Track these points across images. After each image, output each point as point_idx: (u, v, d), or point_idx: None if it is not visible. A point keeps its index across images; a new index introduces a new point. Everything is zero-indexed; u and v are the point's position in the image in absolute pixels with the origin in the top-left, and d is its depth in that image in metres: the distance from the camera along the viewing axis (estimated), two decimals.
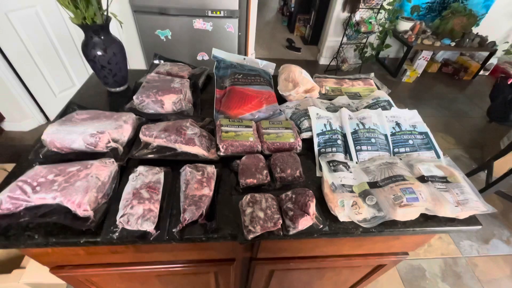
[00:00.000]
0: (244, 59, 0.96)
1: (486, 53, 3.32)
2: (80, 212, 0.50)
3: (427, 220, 0.59)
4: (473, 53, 3.53)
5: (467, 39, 3.04)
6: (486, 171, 1.90)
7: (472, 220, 0.60)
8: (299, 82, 0.83)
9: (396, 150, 0.72)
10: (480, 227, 0.60)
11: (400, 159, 0.69)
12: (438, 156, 0.70)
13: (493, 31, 3.30)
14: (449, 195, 0.58)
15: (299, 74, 0.85)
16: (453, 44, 3.08)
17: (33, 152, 0.63)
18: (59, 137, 0.61)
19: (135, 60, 2.35)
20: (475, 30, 3.23)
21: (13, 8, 1.57)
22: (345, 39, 2.99)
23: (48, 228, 0.50)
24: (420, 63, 3.31)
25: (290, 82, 0.85)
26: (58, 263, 0.64)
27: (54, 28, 1.77)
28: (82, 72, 2.13)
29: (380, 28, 3.02)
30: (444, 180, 0.62)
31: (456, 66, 3.54)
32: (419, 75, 3.39)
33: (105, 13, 0.74)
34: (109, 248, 0.58)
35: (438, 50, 3.42)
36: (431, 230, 0.59)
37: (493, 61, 3.49)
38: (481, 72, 3.53)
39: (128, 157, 0.63)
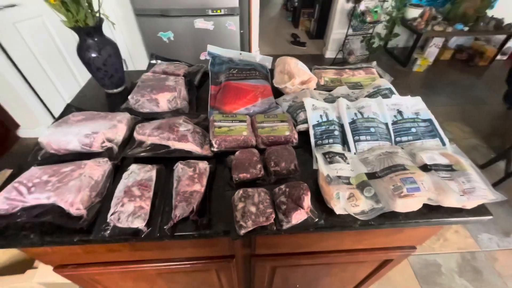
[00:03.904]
0: (240, 54, 0.94)
1: (503, 37, 3.15)
2: (73, 211, 0.51)
3: (431, 211, 0.56)
4: (488, 37, 3.36)
5: (482, 23, 2.89)
6: (505, 160, 1.80)
7: (481, 210, 0.56)
8: (294, 74, 0.80)
9: (398, 139, 0.68)
10: (490, 217, 0.56)
11: (402, 148, 0.65)
12: (444, 144, 0.66)
13: (510, 13, 3.11)
14: (454, 183, 0.55)
15: (295, 65, 0.83)
16: (466, 29, 2.94)
17: (32, 154, 0.64)
18: (55, 138, 0.63)
19: (140, 63, 2.39)
20: (489, 12, 3.06)
21: (20, 19, 1.63)
22: (350, 31, 2.91)
23: (44, 228, 0.51)
24: (432, 51, 3.18)
25: (285, 74, 0.83)
26: (59, 262, 0.65)
27: (60, 36, 1.83)
28: (88, 77, 2.18)
29: (387, 17, 2.92)
30: (449, 168, 0.58)
31: (470, 52, 3.38)
32: (430, 64, 3.26)
33: (97, 15, 0.74)
34: (105, 246, 0.58)
35: (451, 36, 3.27)
36: (436, 221, 0.55)
37: (511, 44, 3.30)
38: (498, 57, 3.35)
39: (122, 156, 0.63)
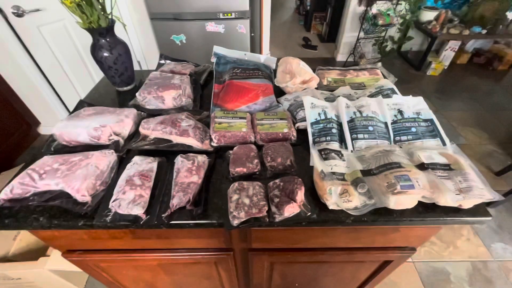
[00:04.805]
0: (245, 54, 0.97)
1: None
2: (79, 197, 0.54)
3: (427, 210, 0.55)
4: (509, 40, 3.23)
5: (501, 26, 2.79)
6: None
7: (480, 211, 0.55)
8: (296, 73, 0.82)
9: (397, 138, 0.68)
10: (490, 218, 0.55)
11: (400, 147, 0.65)
12: (444, 144, 0.66)
13: None
14: (450, 182, 0.54)
15: (297, 65, 0.84)
16: (484, 31, 2.84)
17: (46, 145, 0.69)
18: (67, 131, 0.67)
19: (154, 64, 2.47)
20: (509, 15, 2.94)
21: (44, 23, 1.73)
22: (362, 34, 2.89)
23: (52, 212, 0.55)
24: (447, 55, 3.09)
25: (287, 73, 0.84)
26: (67, 247, 0.69)
27: (79, 38, 1.93)
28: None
29: (401, 20, 2.88)
30: (446, 167, 0.57)
31: (489, 55, 3.26)
32: (446, 67, 3.17)
33: (109, 17, 0.79)
34: (108, 232, 0.62)
35: (467, 40, 3.17)
36: (431, 220, 0.55)
37: None
38: None
39: (127, 148, 0.67)
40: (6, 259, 1.17)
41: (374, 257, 0.74)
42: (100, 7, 0.74)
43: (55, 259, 1.09)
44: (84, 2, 0.70)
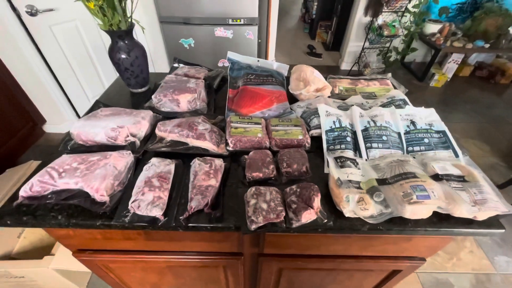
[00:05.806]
0: (258, 61, 0.98)
1: None
2: (98, 197, 0.55)
3: (441, 220, 0.56)
4: (511, 55, 3.27)
5: (504, 40, 2.83)
6: None
7: (493, 223, 0.56)
8: (310, 81, 0.83)
9: (410, 148, 0.69)
10: (503, 230, 0.56)
11: (414, 157, 0.66)
12: (457, 155, 0.67)
13: None
14: (465, 194, 0.55)
15: (311, 73, 0.85)
16: (487, 46, 2.88)
17: (63, 144, 0.70)
18: (84, 130, 0.68)
19: (161, 67, 2.49)
20: None
21: (56, 22, 1.75)
22: (367, 44, 2.93)
23: (70, 211, 0.55)
24: (450, 67, 3.13)
25: (301, 81, 0.86)
26: (79, 246, 0.69)
27: (90, 39, 1.95)
28: (113, 79, 2.30)
29: (405, 32, 2.92)
30: (461, 179, 0.58)
31: (491, 69, 3.30)
32: (449, 79, 3.20)
33: (129, 20, 0.80)
34: (122, 233, 0.62)
35: (470, 53, 3.22)
36: (445, 231, 0.55)
37: None
38: None
39: (143, 150, 0.67)
40: (9, 257, 1.16)
41: (384, 266, 0.74)
42: (121, 10, 0.75)
43: (60, 258, 1.09)
44: (106, 5, 0.72)
